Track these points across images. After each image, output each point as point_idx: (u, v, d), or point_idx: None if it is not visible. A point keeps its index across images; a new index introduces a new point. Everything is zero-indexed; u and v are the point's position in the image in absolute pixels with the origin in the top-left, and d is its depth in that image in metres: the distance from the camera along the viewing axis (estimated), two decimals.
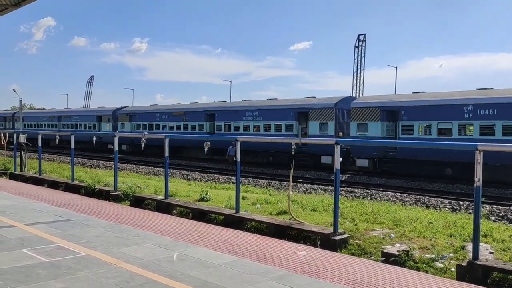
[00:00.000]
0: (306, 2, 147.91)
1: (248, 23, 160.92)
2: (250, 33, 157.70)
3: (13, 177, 16.26)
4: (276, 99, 32.94)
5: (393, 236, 7.39)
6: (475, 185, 5.85)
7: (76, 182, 13.61)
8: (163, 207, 10.23)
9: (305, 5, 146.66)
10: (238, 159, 8.92)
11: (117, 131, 39.79)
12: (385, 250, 6.77)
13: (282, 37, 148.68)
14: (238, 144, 8.87)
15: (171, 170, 23.12)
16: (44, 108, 68.32)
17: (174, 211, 10.12)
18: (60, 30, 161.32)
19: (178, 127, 36.59)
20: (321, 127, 27.43)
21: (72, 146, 14.09)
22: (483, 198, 14.14)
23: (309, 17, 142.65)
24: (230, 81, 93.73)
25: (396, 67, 58.17)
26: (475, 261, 5.79)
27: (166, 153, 10.61)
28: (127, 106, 45.15)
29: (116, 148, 12.30)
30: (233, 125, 32.34)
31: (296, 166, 11.13)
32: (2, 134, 20.77)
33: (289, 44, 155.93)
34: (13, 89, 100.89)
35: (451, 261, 6.28)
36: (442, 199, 16.05)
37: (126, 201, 11.41)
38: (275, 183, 20.34)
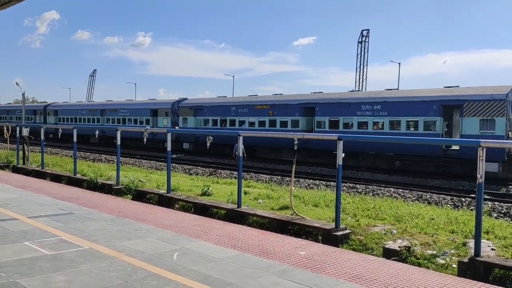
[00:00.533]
0: None
1: (251, 19, 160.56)
2: (253, 29, 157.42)
3: (16, 170, 16.31)
4: (414, 90, 25.33)
5: (395, 232, 7.39)
6: (477, 181, 5.85)
7: (78, 176, 13.64)
8: (165, 201, 10.25)
9: (308, 1, 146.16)
10: (240, 154, 8.92)
11: (176, 127, 34.73)
12: (386, 246, 6.78)
13: (285, 32, 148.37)
14: (241, 139, 8.86)
15: (174, 164, 23.13)
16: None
17: (176, 205, 10.14)
18: (63, 24, 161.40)
19: (262, 123, 30.30)
20: (483, 125, 21.13)
21: (75, 140, 14.11)
22: (485, 195, 14.11)
23: (312, 13, 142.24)
24: (233, 76, 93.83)
25: (399, 63, 57.69)
26: (477, 258, 5.79)
27: (169, 148, 10.62)
28: (186, 99, 37.99)
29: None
30: (342, 121, 26.26)
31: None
32: (5, 127, 20.82)
33: (293, 39, 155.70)
34: (16, 83, 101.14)
35: (453, 258, 6.28)
36: (444, 196, 16.03)
37: (128, 195, 11.44)
38: (277, 178, 20.35)
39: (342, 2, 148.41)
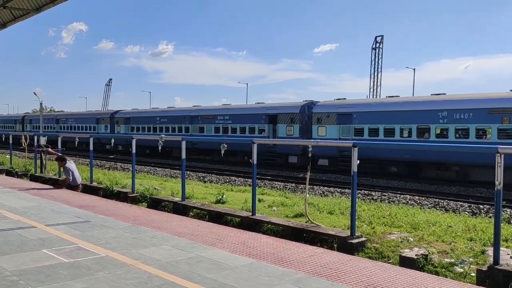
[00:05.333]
0: (323, 4, 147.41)
1: (265, 27, 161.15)
2: (267, 36, 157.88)
3: (34, 178, 16.57)
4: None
5: (411, 239, 7.30)
6: (495, 188, 5.76)
7: (94, 184, 13.80)
8: (180, 209, 10.30)
9: (323, 7, 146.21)
10: (255, 162, 8.94)
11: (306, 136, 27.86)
12: (403, 254, 6.69)
13: (306, 39, 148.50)
14: (255, 146, 8.88)
15: (188, 172, 23.26)
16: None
17: (191, 213, 10.18)
18: (89, 34, 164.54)
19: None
20: None
21: (91, 148, 14.30)
22: (504, 202, 13.87)
23: (326, 20, 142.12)
24: (247, 84, 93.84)
25: (414, 69, 57.22)
26: (496, 266, 5.68)
27: (183, 156, 10.68)
28: (317, 102, 29.89)
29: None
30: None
31: None
32: (23, 136, 21.19)
33: (314, 46, 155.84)
34: (34, 92, 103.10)
35: (471, 266, 6.17)
36: (461, 203, 15.80)
37: (144, 203, 11.53)
38: (291, 186, 20.29)
39: (356, 9, 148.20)
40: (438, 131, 23.31)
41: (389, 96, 27.68)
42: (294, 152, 28.59)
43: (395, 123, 24.53)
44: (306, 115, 29.13)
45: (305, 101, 30.22)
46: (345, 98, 29.22)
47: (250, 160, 8.94)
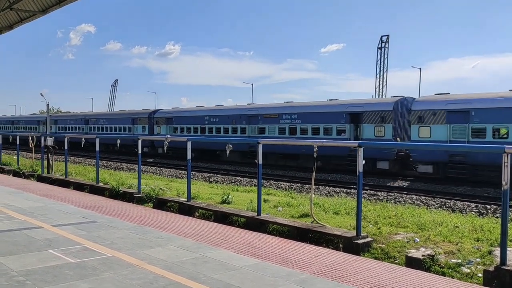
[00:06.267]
0: (329, 5, 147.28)
1: (270, 27, 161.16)
2: (272, 37, 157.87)
3: (41, 179, 16.68)
4: None
5: (418, 240, 7.27)
6: (502, 188, 5.72)
7: (100, 184, 13.86)
8: (186, 210, 10.32)
9: (328, 7, 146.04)
10: (260, 162, 8.93)
11: (398, 139, 24.36)
12: (409, 255, 6.66)
13: (306, 40, 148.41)
14: (260, 147, 8.88)
15: (193, 172, 23.29)
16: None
17: (196, 214, 10.20)
18: (97, 35, 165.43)
19: None
20: None
21: (97, 149, 14.35)
22: (511, 202, 13.74)
23: (334, 20, 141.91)
24: (252, 84, 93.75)
25: (420, 69, 56.91)
26: (503, 266, 5.64)
27: (188, 156, 10.69)
28: (411, 98, 25.70)
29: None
30: None
31: None
32: (30, 137, 21.34)
33: (321, 46, 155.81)
34: (41, 93, 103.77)
35: (478, 266, 6.13)
36: (468, 203, 15.70)
37: (149, 203, 11.56)
38: (296, 186, 20.28)
39: (362, 8, 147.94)
40: None
41: None
42: (384, 156, 23.93)
43: None
44: (400, 113, 24.77)
45: (397, 96, 25.81)
46: (448, 93, 23.92)
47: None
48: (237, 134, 31.95)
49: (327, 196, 16.79)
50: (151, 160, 36.03)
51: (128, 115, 43.53)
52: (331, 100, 29.57)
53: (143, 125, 41.04)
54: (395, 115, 24.50)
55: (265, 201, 10.55)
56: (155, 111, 41.25)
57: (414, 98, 25.48)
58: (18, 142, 21.58)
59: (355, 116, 26.16)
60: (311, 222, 8.29)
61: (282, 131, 29.44)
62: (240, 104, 38.33)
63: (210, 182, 21.00)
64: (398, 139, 22.31)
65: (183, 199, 11.02)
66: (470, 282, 5.63)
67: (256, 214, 8.95)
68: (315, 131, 27.55)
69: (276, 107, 31.16)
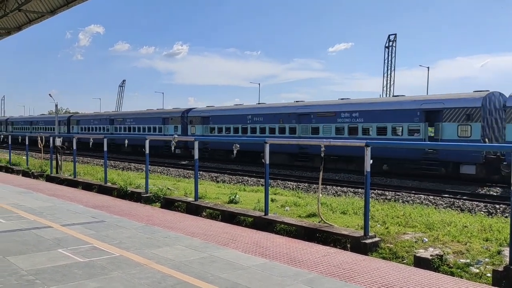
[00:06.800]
0: (337, 4, 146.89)
1: (278, 27, 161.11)
2: (279, 37, 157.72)
3: (50, 179, 16.82)
4: None
5: (426, 240, 7.23)
6: (511, 188, 5.67)
7: (109, 184, 13.94)
8: (193, 209, 10.35)
9: (336, 7, 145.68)
10: (267, 162, 8.94)
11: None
12: (417, 254, 6.63)
13: (314, 39, 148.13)
14: (267, 146, 8.88)
15: (201, 172, 23.33)
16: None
17: (204, 213, 10.22)
18: (105, 36, 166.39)
19: None
20: None
21: (105, 149, 14.43)
22: None
23: (342, 19, 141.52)
24: (259, 84, 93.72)
25: (428, 67, 56.58)
26: None
27: (196, 156, 10.72)
28: (491, 91, 22.07)
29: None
30: None
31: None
32: (39, 138, 21.53)
33: (325, 46, 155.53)
34: (49, 94, 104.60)
35: (487, 266, 6.09)
36: (477, 203, 15.58)
37: (157, 203, 11.61)
38: (304, 186, 20.23)
39: (369, 7, 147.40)
40: None
41: None
42: (470, 160, 20.97)
43: None
44: (488, 110, 21.53)
45: (482, 91, 22.29)
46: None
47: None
48: (285, 134, 29.24)
49: (334, 195, 16.74)
50: (185, 162, 32.59)
51: (159, 115, 41.04)
52: (397, 96, 27.15)
53: (176, 125, 38.50)
54: (483, 112, 21.15)
55: (272, 200, 10.55)
56: (188, 110, 38.88)
57: (500, 93, 22.41)
58: (27, 143, 21.66)
59: (431, 114, 22.92)
60: (319, 222, 8.28)
61: (339, 131, 26.34)
62: (275, 102, 34.62)
63: (218, 182, 21.02)
64: (487, 140, 20.30)
65: (190, 199, 11.05)
66: (479, 282, 5.59)
67: (263, 213, 8.95)
68: (381, 131, 24.36)
69: (333, 105, 27.92)
